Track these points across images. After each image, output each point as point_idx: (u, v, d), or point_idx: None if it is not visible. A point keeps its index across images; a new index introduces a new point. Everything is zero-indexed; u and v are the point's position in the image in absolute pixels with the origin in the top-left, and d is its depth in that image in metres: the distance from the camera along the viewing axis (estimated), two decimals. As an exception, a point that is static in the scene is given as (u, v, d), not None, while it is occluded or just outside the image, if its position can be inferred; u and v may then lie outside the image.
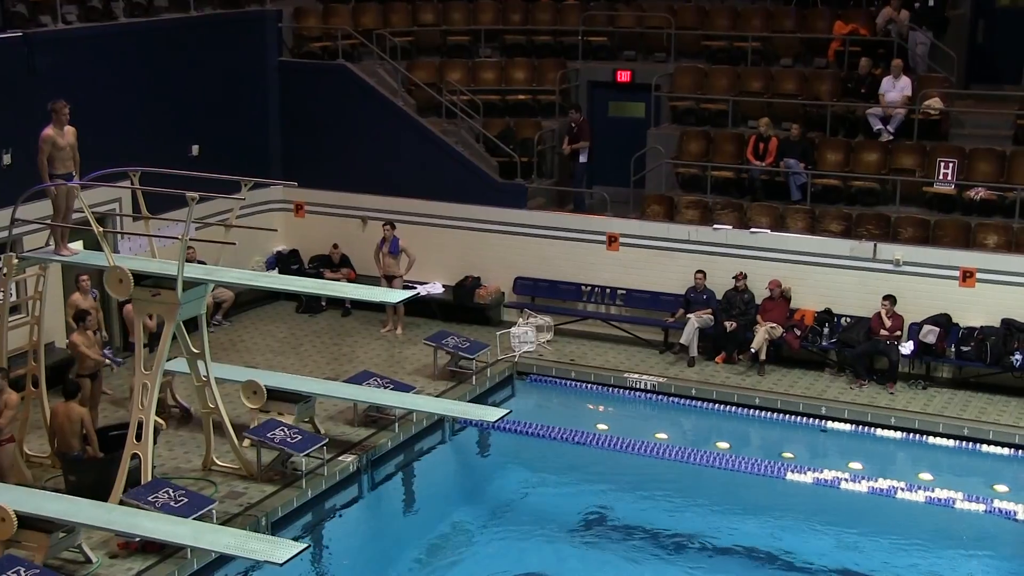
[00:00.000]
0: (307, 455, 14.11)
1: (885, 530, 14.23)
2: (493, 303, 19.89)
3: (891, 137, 19.17)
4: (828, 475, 15.05)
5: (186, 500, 12.54)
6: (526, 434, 16.47)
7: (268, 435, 14.04)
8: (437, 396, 16.63)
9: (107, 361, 14.96)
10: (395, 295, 15.59)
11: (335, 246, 20.56)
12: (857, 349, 17.35)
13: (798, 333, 17.66)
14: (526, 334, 18.68)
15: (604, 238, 19.25)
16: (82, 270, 15.65)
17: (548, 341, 18.90)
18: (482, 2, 23.17)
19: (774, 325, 17.65)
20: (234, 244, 14.05)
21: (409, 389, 16.24)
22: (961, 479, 15.39)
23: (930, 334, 17.04)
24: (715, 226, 18.67)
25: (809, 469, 15.19)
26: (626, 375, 17.82)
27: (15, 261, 13.94)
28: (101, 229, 13.04)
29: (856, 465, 15.51)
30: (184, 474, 14.23)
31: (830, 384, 17.44)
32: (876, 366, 17.52)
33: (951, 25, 21.15)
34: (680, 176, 20.15)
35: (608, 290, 19.30)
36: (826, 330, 17.80)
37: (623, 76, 21.93)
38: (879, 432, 16.36)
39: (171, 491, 12.65)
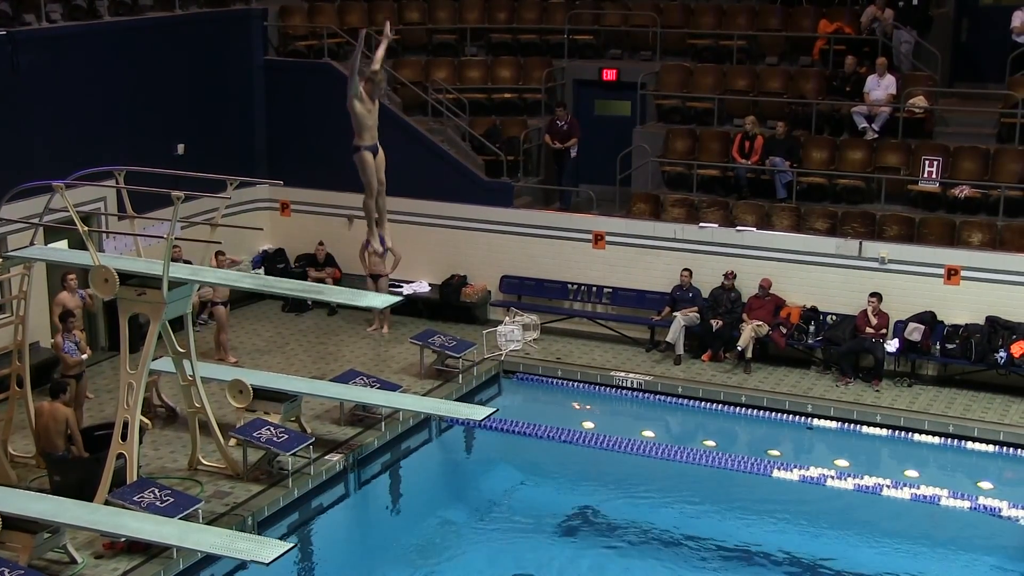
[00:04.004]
0: (293, 454, 14.08)
1: (871, 527, 14.29)
2: (479, 302, 19.88)
3: (876, 135, 19.22)
4: (814, 472, 15.07)
5: (172, 500, 12.51)
6: (513, 433, 16.46)
7: (254, 434, 14.01)
8: (423, 395, 16.61)
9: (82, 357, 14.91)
10: (380, 300, 15.41)
11: (320, 244, 20.53)
12: (843, 347, 17.39)
13: (784, 331, 17.70)
14: (512, 332, 18.67)
15: (590, 236, 19.26)
16: (69, 269, 15.60)
17: (534, 340, 18.89)
18: (468, 0, 23.16)
19: (760, 323, 17.68)
20: (220, 243, 14.03)
21: (395, 388, 16.22)
22: (946, 476, 15.47)
23: (915, 332, 17.09)
24: (701, 224, 18.69)
25: (795, 466, 15.22)
26: (612, 373, 17.83)
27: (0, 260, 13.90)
28: (86, 228, 12.99)
29: (842, 462, 15.55)
30: (170, 474, 14.19)
31: (816, 382, 17.48)
32: (862, 364, 17.57)
33: (935, 24, 21.22)
34: (666, 174, 20.18)
35: (594, 288, 19.31)
36: (812, 328, 17.84)
37: (609, 74, 21.94)
38: (865, 429, 16.39)
39: (157, 491, 12.61)
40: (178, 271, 13.49)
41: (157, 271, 12.99)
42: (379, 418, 15.88)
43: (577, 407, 17.88)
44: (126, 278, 13.18)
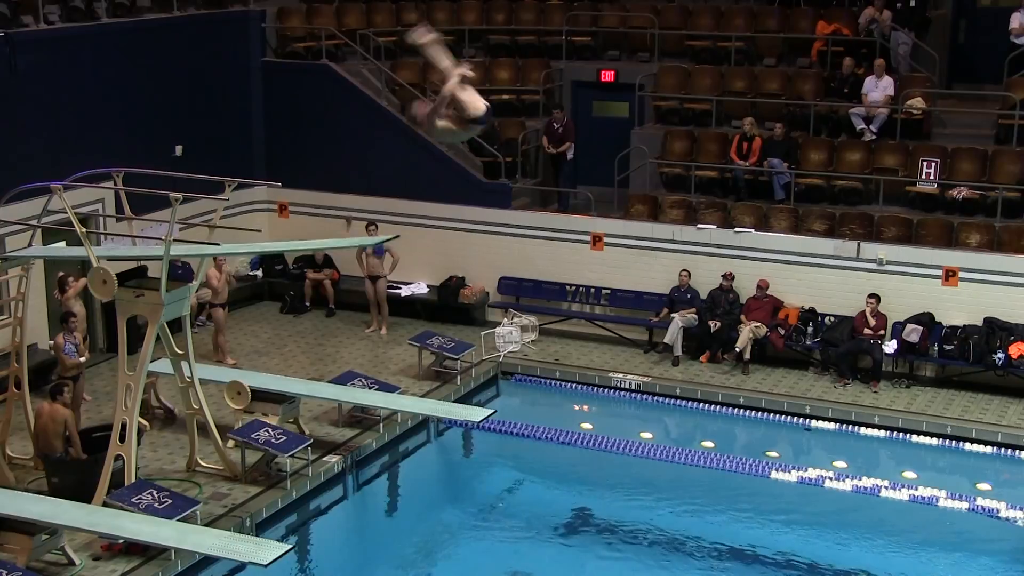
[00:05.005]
0: (292, 456, 14.08)
1: (869, 528, 14.28)
2: (478, 303, 19.88)
3: (874, 137, 19.24)
4: (812, 474, 15.08)
5: (170, 501, 12.51)
6: (511, 434, 16.46)
7: (252, 436, 14.01)
8: (422, 396, 16.61)
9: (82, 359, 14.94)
10: (370, 240, 15.09)
11: (319, 245, 20.54)
12: (841, 348, 17.40)
13: (782, 332, 17.70)
14: (511, 334, 18.68)
15: (588, 238, 19.26)
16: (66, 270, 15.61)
17: (532, 341, 18.90)
18: (466, 2, 23.17)
19: (758, 324, 17.68)
20: (218, 245, 14.02)
21: (394, 389, 16.22)
22: (944, 477, 15.47)
23: (913, 333, 17.10)
24: (699, 226, 18.70)
25: (793, 468, 15.22)
26: (611, 375, 17.83)
27: (-2, 262, 13.90)
28: (84, 230, 12.98)
29: (840, 463, 15.56)
30: (168, 475, 14.19)
31: (814, 383, 17.49)
32: (860, 365, 17.57)
33: (933, 25, 21.24)
34: (664, 176, 20.19)
35: (592, 290, 19.31)
36: (810, 329, 17.85)
37: (607, 76, 21.95)
38: (863, 431, 16.40)
39: (155, 492, 12.61)
40: (179, 249, 13.44)
41: (155, 254, 12.94)
42: (377, 419, 15.88)
43: (576, 408, 17.88)
44: (124, 279, 13.20)
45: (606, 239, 19.15)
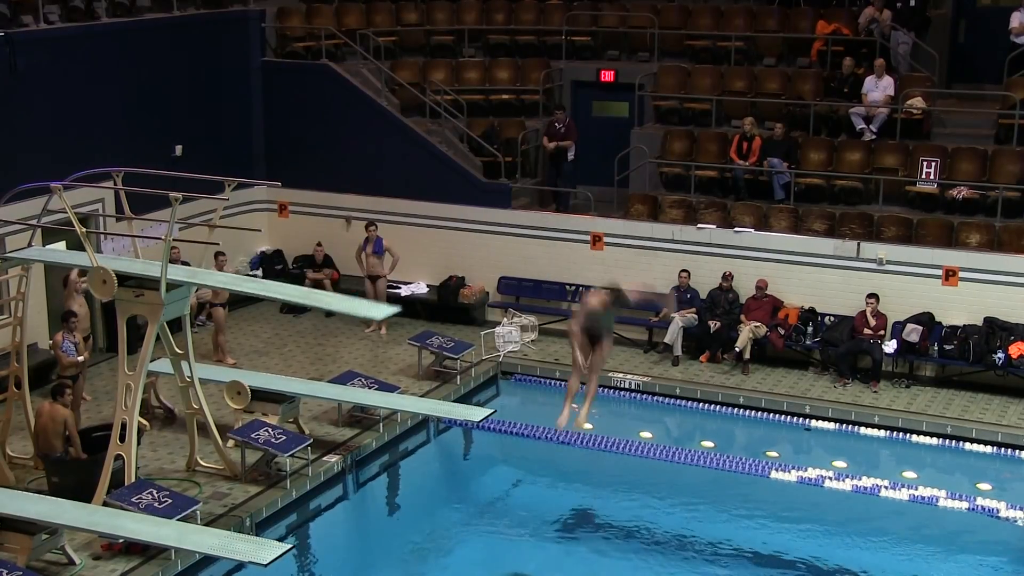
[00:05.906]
0: (291, 455, 14.07)
1: (868, 528, 14.29)
2: (477, 303, 19.88)
3: (874, 136, 19.23)
4: (812, 473, 15.07)
5: (170, 501, 12.51)
6: (511, 434, 16.46)
7: (252, 436, 14.01)
8: (421, 396, 16.61)
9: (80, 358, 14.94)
10: (380, 311, 14.90)
11: (319, 245, 20.52)
12: (841, 348, 17.40)
13: (782, 332, 17.69)
14: (510, 334, 18.67)
15: (588, 238, 19.26)
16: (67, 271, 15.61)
17: (532, 341, 18.90)
18: (465, 2, 23.16)
19: (758, 324, 17.68)
20: (217, 244, 14.03)
21: (393, 389, 16.22)
22: (944, 477, 15.46)
23: (913, 333, 17.10)
24: (699, 226, 18.70)
25: (793, 468, 15.22)
26: (610, 374, 17.80)
27: (-3, 262, 13.90)
28: (84, 230, 12.97)
29: (840, 463, 15.56)
30: (168, 475, 14.19)
31: (814, 383, 17.48)
32: (860, 365, 17.57)
33: (933, 25, 21.22)
34: (664, 176, 20.19)
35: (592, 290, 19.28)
36: (810, 329, 17.85)
37: (607, 76, 21.94)
38: (863, 431, 16.40)
39: (155, 492, 12.61)
40: (176, 274, 13.44)
41: (155, 272, 12.99)
42: (377, 419, 15.88)
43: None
44: (124, 279, 13.19)
45: (606, 239, 19.15)
